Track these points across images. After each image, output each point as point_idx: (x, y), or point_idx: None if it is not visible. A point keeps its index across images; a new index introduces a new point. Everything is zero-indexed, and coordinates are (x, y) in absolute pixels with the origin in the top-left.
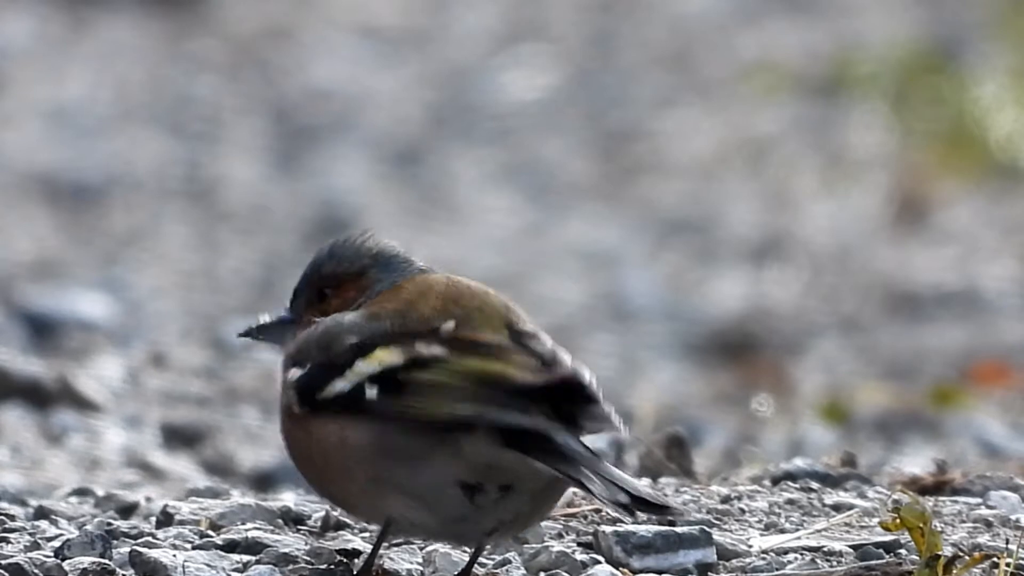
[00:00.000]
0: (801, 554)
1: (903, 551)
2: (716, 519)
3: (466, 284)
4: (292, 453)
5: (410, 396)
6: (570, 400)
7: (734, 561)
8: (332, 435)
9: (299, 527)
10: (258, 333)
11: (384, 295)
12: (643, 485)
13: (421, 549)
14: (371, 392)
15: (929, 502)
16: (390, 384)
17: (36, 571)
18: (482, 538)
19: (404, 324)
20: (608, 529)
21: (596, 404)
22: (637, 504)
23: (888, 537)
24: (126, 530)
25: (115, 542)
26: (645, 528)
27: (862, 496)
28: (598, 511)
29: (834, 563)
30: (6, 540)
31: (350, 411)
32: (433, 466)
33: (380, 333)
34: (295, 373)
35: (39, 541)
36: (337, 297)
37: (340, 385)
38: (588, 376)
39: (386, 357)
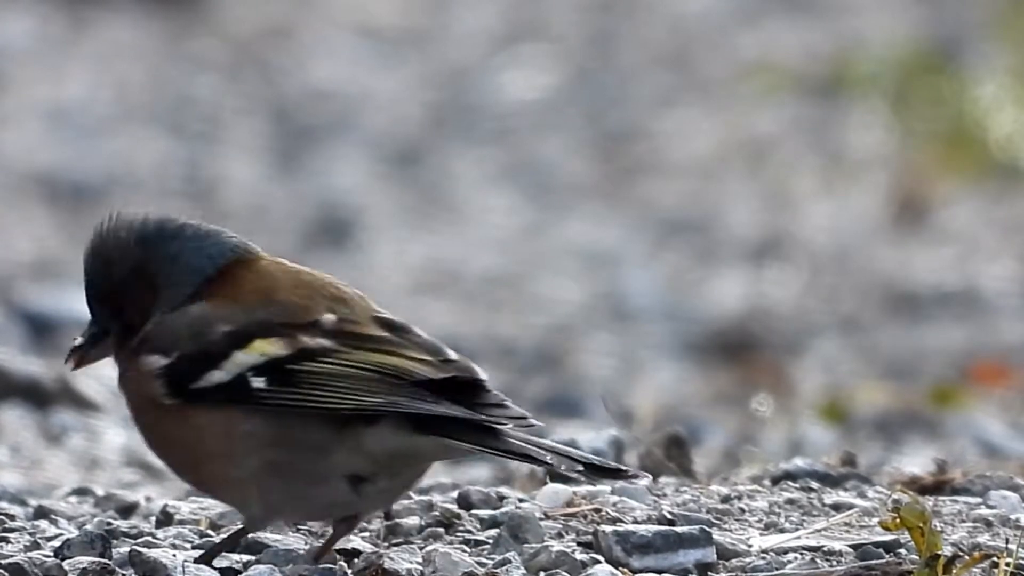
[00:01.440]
0: (801, 554)
1: (903, 551)
2: (716, 519)
3: (301, 269)
4: (157, 442)
5: (306, 387)
6: (461, 391)
7: (734, 561)
8: (216, 425)
9: (299, 527)
10: (85, 354)
11: (222, 282)
12: (578, 452)
13: (421, 549)
14: (257, 383)
15: (929, 502)
16: (277, 375)
17: (36, 571)
18: (353, 520)
19: (272, 313)
20: (608, 529)
21: (489, 392)
22: (592, 471)
23: (888, 537)
24: (126, 530)
25: (115, 542)
26: (645, 528)
27: (862, 496)
28: (598, 511)
29: (834, 563)
30: (6, 540)
31: (234, 401)
32: (329, 457)
33: (256, 323)
34: (158, 361)
35: (39, 541)
36: (132, 302)
37: (218, 375)
38: (476, 366)
39: (268, 348)
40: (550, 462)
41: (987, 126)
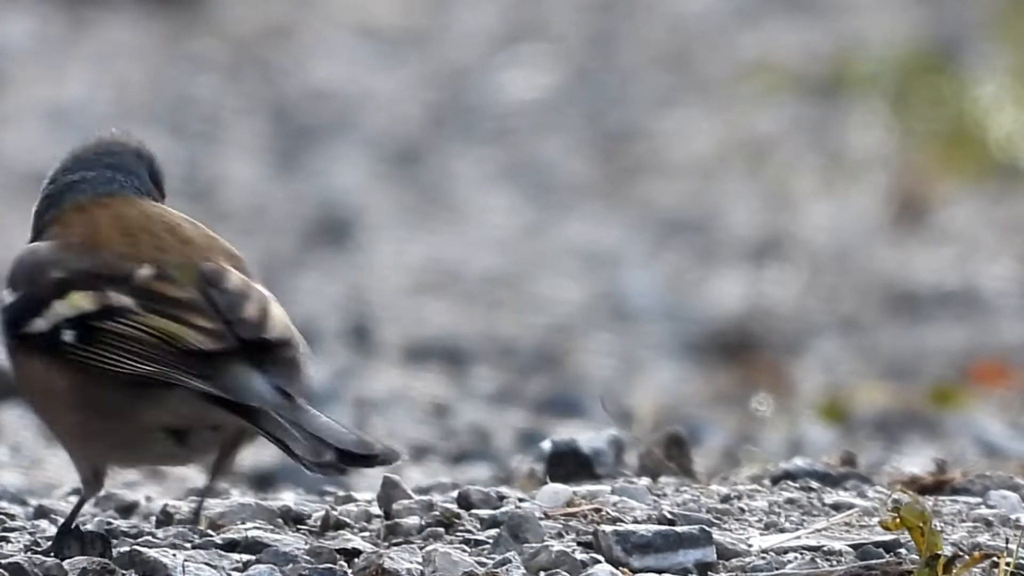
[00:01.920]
0: (801, 553)
1: (903, 550)
2: (716, 519)
3: (168, 218)
4: (15, 375)
5: (101, 347)
6: (264, 349)
7: (734, 561)
8: (38, 373)
9: (299, 526)
10: None
11: (71, 215)
12: (349, 432)
13: (421, 549)
14: (68, 336)
15: (929, 501)
16: (84, 331)
17: (36, 571)
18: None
19: (95, 263)
20: (608, 528)
21: (285, 357)
22: (344, 459)
23: (888, 536)
24: (126, 529)
25: (115, 541)
26: (645, 528)
27: (862, 495)
28: (598, 511)
29: (834, 563)
30: (6, 539)
31: (51, 352)
32: (138, 417)
33: (76, 271)
34: (7, 297)
35: (39, 540)
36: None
37: (39, 323)
38: (276, 327)
39: (80, 301)
40: (297, 453)
41: (987, 126)
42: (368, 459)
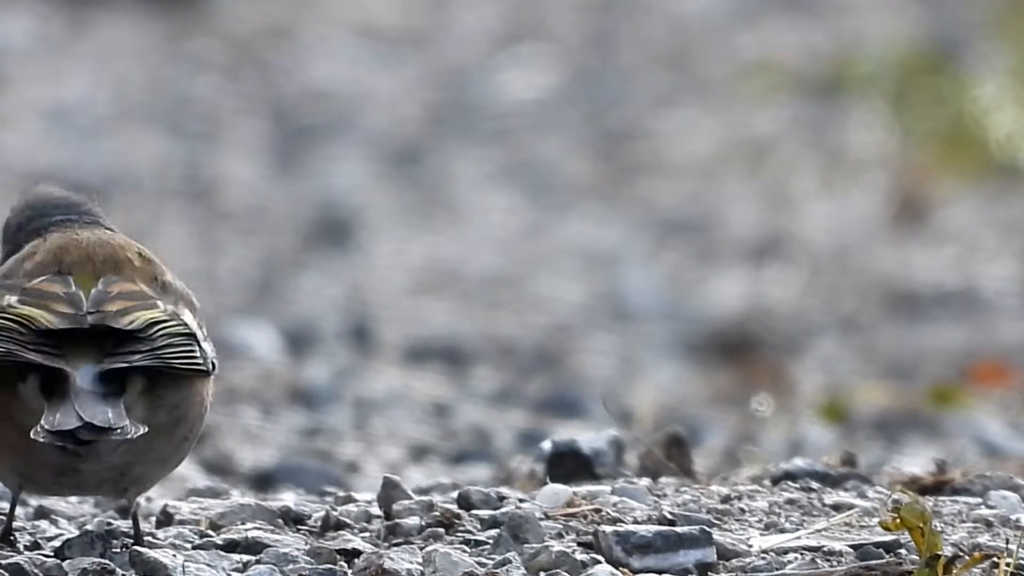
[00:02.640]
0: (801, 554)
1: (903, 551)
2: (716, 519)
3: (105, 243)
4: None
5: None
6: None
7: (734, 561)
8: None
9: (299, 527)
10: None
11: (33, 244)
12: (113, 413)
13: (421, 549)
14: None
15: (929, 502)
16: None
17: (36, 571)
18: (120, 493)
19: (7, 275)
20: (608, 529)
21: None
22: (78, 431)
23: (888, 537)
24: (126, 530)
25: (115, 542)
26: (645, 528)
27: (862, 496)
28: (598, 511)
29: (834, 563)
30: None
31: None
32: (9, 418)
33: None
34: None
35: (39, 541)
36: None
37: None
38: (131, 322)
39: None
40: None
41: (987, 126)
42: (104, 430)
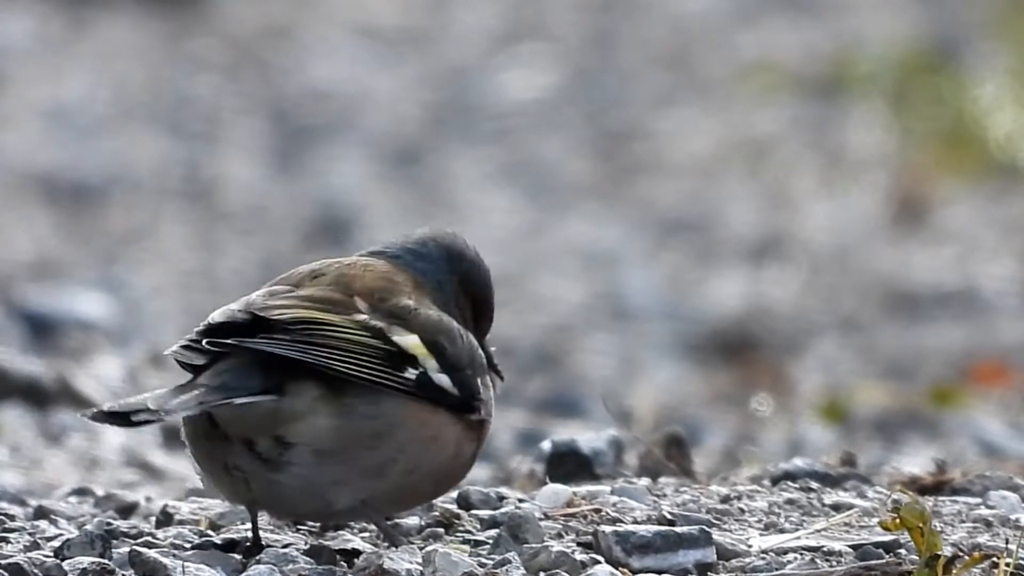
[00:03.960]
0: (801, 554)
1: (903, 551)
2: (716, 519)
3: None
4: None
5: None
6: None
7: (734, 561)
8: None
9: (298, 527)
10: None
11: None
12: (148, 398)
13: (421, 549)
14: None
15: (929, 502)
16: None
17: (36, 571)
18: (331, 508)
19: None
20: (608, 529)
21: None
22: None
23: (888, 537)
24: (126, 530)
25: (115, 542)
26: (645, 528)
27: (862, 496)
28: (598, 511)
29: (834, 563)
30: (6, 540)
31: None
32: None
33: None
34: None
35: (39, 541)
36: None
37: None
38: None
39: None
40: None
41: (987, 126)
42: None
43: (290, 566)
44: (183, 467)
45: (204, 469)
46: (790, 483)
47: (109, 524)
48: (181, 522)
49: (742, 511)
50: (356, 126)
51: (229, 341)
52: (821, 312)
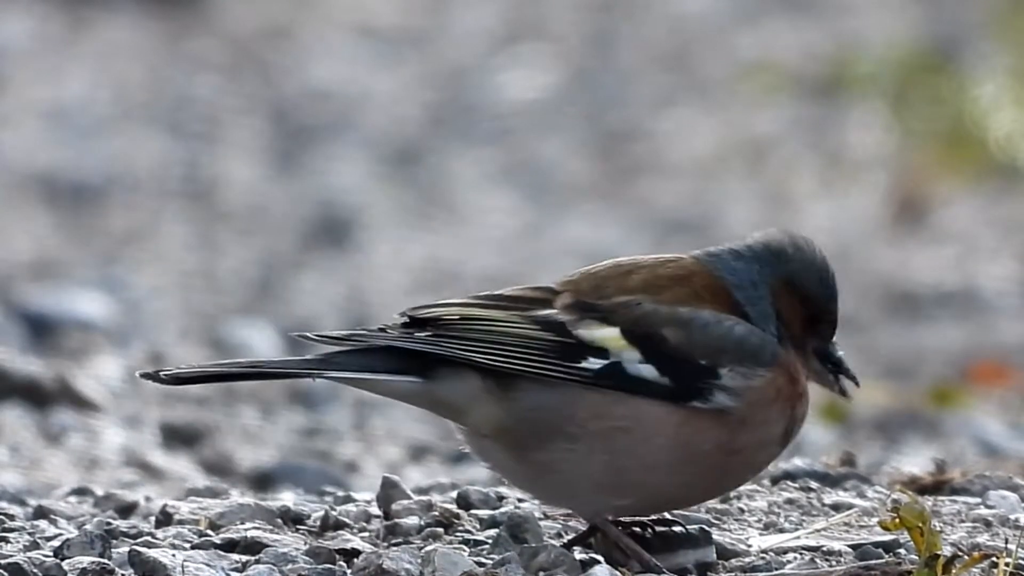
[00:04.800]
0: (800, 554)
1: (902, 551)
2: (715, 519)
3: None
4: None
5: None
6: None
7: (733, 561)
8: None
9: (298, 527)
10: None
11: None
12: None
13: (420, 549)
14: None
15: (928, 502)
16: None
17: (35, 571)
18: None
19: None
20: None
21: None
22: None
23: (887, 537)
24: (125, 530)
25: (114, 542)
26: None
27: (861, 496)
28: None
29: (833, 563)
30: (5, 540)
31: None
32: None
33: None
34: None
35: (38, 541)
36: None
37: None
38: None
39: None
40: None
41: (987, 126)
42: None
43: (290, 566)
44: (183, 467)
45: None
46: (790, 483)
47: (109, 524)
48: (181, 522)
49: (742, 511)
50: (356, 126)
51: (336, 333)
52: None
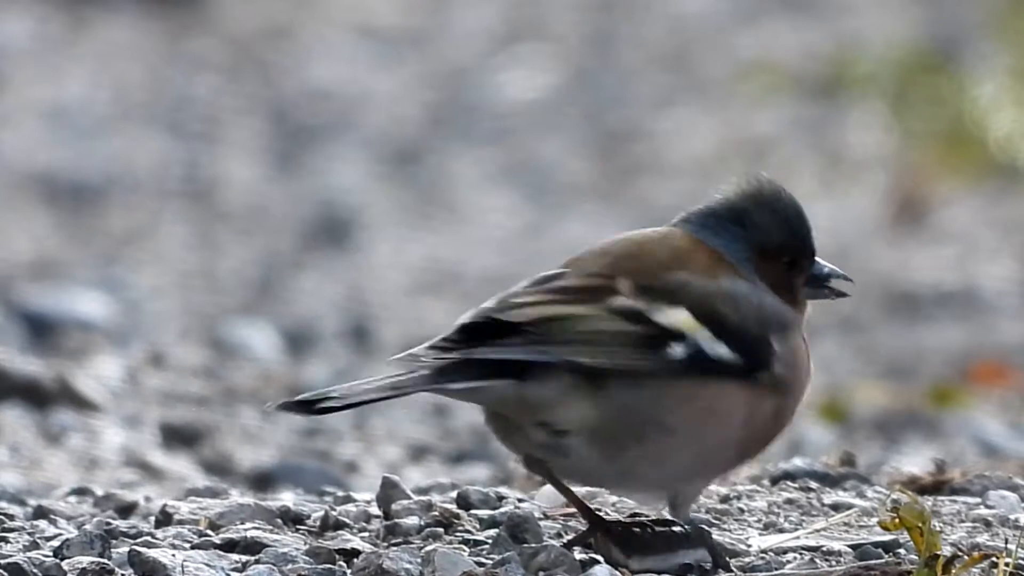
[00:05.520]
0: (800, 554)
1: (902, 551)
2: (715, 519)
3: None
4: None
5: None
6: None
7: (733, 561)
8: None
9: (298, 527)
10: None
11: None
12: (344, 388)
13: (420, 549)
14: None
15: (928, 502)
16: None
17: (35, 571)
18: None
19: None
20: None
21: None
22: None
23: (887, 537)
24: (125, 530)
25: (114, 542)
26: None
27: (861, 496)
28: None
29: (833, 563)
30: (5, 540)
31: None
32: None
33: None
34: None
35: (38, 541)
36: None
37: None
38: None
39: None
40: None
41: (986, 126)
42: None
43: (290, 566)
44: (182, 467)
45: (511, 451)
46: (789, 483)
47: (108, 524)
48: (180, 522)
49: (741, 511)
50: (356, 126)
51: (453, 357)
52: (821, 312)
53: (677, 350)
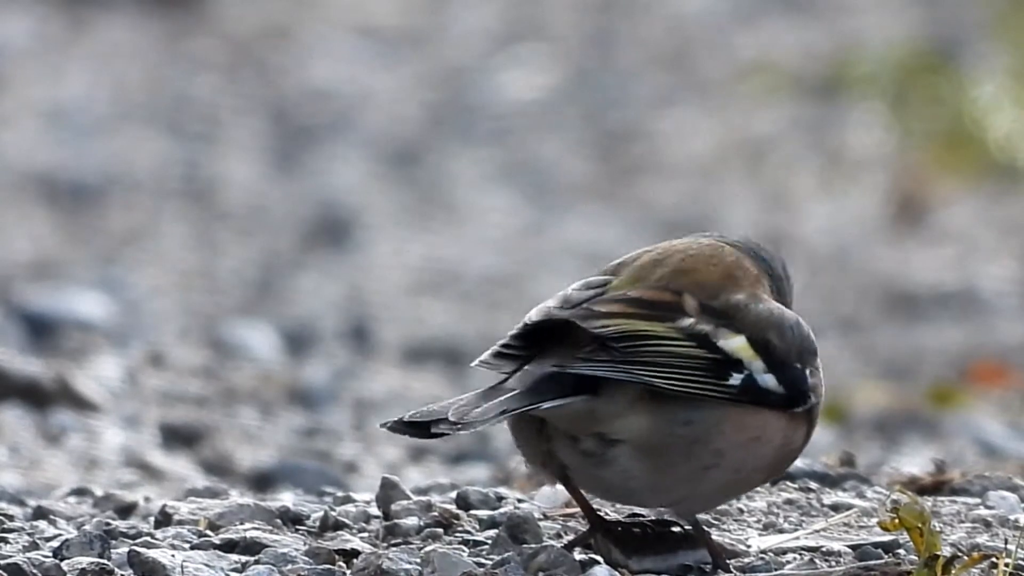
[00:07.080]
0: (799, 554)
1: (902, 551)
2: (715, 519)
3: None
4: None
5: None
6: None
7: (732, 561)
8: None
9: (297, 527)
10: None
11: None
12: (451, 406)
13: (420, 549)
14: None
15: (928, 502)
16: None
17: (34, 571)
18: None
19: None
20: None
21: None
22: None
23: (887, 537)
24: (124, 530)
25: (113, 542)
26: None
27: (861, 496)
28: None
29: (833, 563)
30: (5, 540)
31: None
32: None
33: None
34: None
35: (37, 541)
36: None
37: None
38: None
39: None
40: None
41: (986, 126)
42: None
43: (289, 566)
44: (182, 467)
45: (523, 453)
46: (789, 483)
47: (108, 524)
48: (180, 522)
49: (741, 511)
50: (356, 126)
51: (551, 369)
52: (820, 312)
53: (735, 380)
